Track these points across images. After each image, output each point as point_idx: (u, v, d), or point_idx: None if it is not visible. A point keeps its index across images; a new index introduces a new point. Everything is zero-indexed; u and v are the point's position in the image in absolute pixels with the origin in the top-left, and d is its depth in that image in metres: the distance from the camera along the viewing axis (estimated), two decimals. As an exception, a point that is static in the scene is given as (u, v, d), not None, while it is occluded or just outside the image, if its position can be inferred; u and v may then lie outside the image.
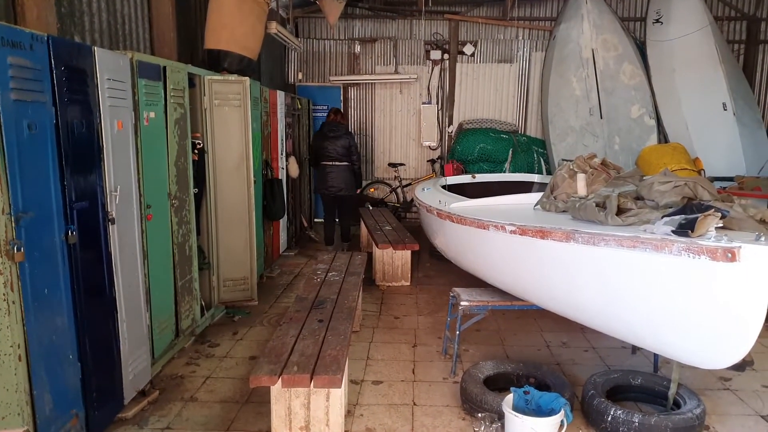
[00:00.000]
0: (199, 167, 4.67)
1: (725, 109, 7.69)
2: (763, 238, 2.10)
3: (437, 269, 6.83)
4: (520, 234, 3.18)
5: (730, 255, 2.09)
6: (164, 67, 3.92)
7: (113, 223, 3.16)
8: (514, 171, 8.33)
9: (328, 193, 7.25)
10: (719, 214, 2.26)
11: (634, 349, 4.38)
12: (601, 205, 2.90)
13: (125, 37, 4.82)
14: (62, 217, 2.70)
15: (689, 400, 3.27)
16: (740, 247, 2.07)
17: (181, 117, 4.22)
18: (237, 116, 4.96)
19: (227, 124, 4.92)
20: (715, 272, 2.17)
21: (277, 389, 3.02)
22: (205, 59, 5.53)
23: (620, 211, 2.79)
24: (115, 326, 3.20)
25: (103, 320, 3.10)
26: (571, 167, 3.60)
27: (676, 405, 3.29)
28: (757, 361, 4.11)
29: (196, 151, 4.58)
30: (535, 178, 7.28)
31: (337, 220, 7.63)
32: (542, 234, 2.97)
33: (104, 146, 3.08)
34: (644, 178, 3.30)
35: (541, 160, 8.87)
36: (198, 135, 4.70)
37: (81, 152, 2.87)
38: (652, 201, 2.82)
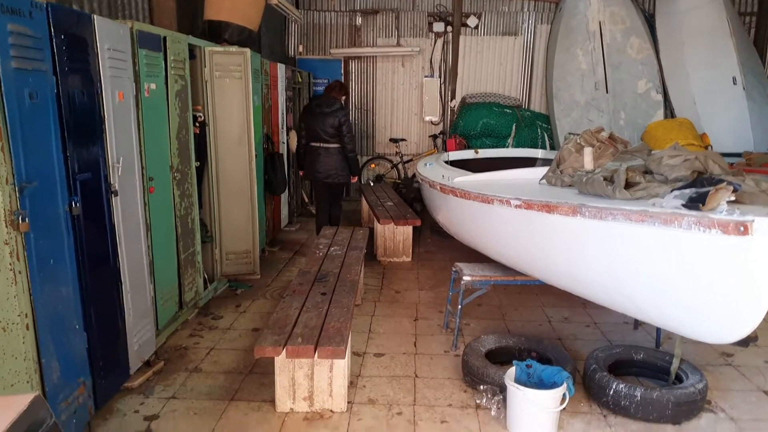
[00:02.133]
0: (201, 140, 4.63)
1: (735, 84, 7.58)
2: (777, 212, 2.08)
3: (438, 245, 6.83)
4: (525, 208, 3.16)
5: (742, 228, 2.06)
6: (164, 38, 3.86)
7: (116, 195, 3.14)
8: (517, 146, 8.28)
9: (317, 179, 6.21)
10: (731, 188, 2.23)
11: (636, 325, 4.41)
12: (609, 179, 2.87)
13: (124, 6, 4.73)
14: (65, 187, 2.68)
15: (691, 374, 3.29)
16: (753, 220, 2.05)
17: (182, 89, 4.17)
18: (238, 88, 4.89)
19: (228, 97, 4.87)
20: (727, 246, 2.15)
21: (281, 360, 3.05)
22: (206, 30, 5.44)
23: (628, 185, 2.76)
24: (119, 297, 3.21)
25: (108, 291, 3.11)
26: (578, 141, 3.56)
27: (678, 380, 3.30)
28: (760, 337, 4.13)
29: (197, 124, 4.54)
30: (538, 153, 7.23)
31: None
32: (548, 208, 2.95)
33: (106, 117, 3.04)
34: (652, 152, 3.27)
35: (545, 135, 8.80)
36: (199, 108, 4.65)
37: (83, 122, 2.84)
38: (661, 175, 2.80)
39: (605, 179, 2.89)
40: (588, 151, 3.44)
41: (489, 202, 3.54)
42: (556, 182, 3.56)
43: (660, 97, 8.10)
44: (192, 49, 4.46)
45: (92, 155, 2.93)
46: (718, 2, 7.86)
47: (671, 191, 2.52)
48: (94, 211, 2.94)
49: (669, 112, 8.12)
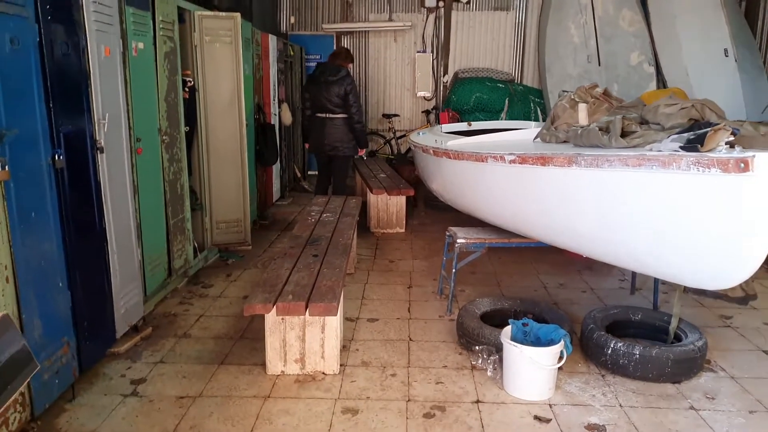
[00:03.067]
0: (190, 106, 4.53)
1: (726, 56, 7.53)
2: (778, 149, 2.02)
3: (432, 218, 6.78)
4: (520, 163, 3.09)
5: (743, 165, 2.00)
6: (152, -3, 3.75)
7: (102, 151, 3.05)
8: (510, 120, 8.19)
9: (322, 152, 5.91)
10: (730, 129, 2.18)
11: (633, 290, 4.38)
12: (605, 130, 2.81)
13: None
14: (48, 139, 2.59)
15: (691, 333, 3.26)
16: (754, 156, 1.99)
17: (171, 51, 4.06)
18: (228, 54, 4.78)
19: (218, 62, 4.75)
20: (727, 185, 2.09)
21: (272, 320, 2.99)
22: (194, -5, 5.31)
23: (624, 134, 2.71)
24: (105, 257, 3.13)
25: (93, 250, 3.03)
26: (572, 97, 3.49)
27: (677, 339, 3.27)
28: (758, 300, 4.11)
29: (186, 89, 4.43)
30: (531, 125, 7.13)
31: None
32: (543, 161, 2.89)
33: (91, 71, 2.94)
34: (645, 106, 3.20)
35: (538, 109, 8.73)
36: (188, 73, 4.54)
37: (67, 74, 2.74)
38: (657, 124, 2.74)
39: (601, 129, 2.83)
40: (582, 107, 3.38)
41: (483, 161, 3.47)
42: (551, 139, 3.49)
43: (652, 70, 8.05)
44: (181, 13, 4.35)
45: (77, 109, 2.84)
46: (709, -26, 7.80)
47: (668, 136, 2.46)
48: (78, 166, 2.85)
49: (661, 84, 8.07)
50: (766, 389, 3.03)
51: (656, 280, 4.07)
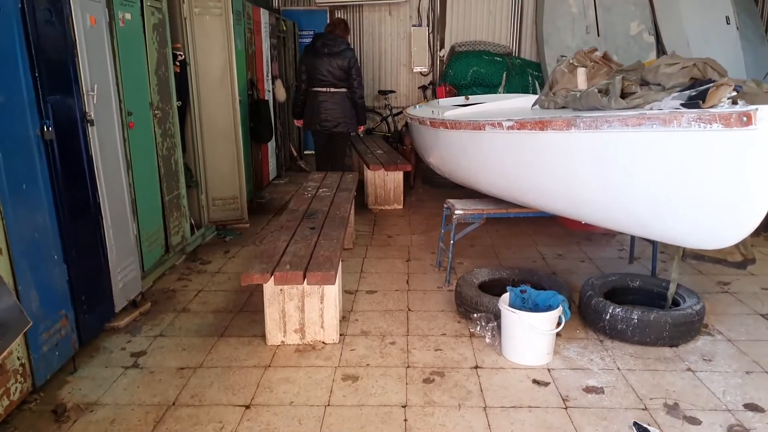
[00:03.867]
0: (182, 80, 4.46)
1: (728, 23, 7.41)
2: (780, 103, 1.97)
3: (430, 194, 6.74)
4: (518, 129, 3.05)
5: (745, 119, 1.96)
6: (138, -35, 3.66)
7: (92, 124, 3.01)
8: (508, 94, 8.10)
9: (321, 130, 5.59)
10: (732, 85, 2.13)
11: (632, 259, 4.37)
12: (604, 91, 2.76)
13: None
14: (35, 110, 2.54)
15: (688, 298, 3.25)
16: (756, 109, 1.94)
17: (160, 23, 3.99)
18: (219, 26, 4.71)
19: (209, 35, 4.69)
20: (730, 140, 2.04)
21: (270, 290, 2.98)
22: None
23: (624, 95, 2.66)
24: (100, 232, 3.10)
25: (88, 224, 3.00)
26: (571, 62, 3.44)
27: (675, 305, 3.27)
28: (755, 265, 4.10)
29: (177, 63, 4.36)
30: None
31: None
32: (542, 125, 2.84)
33: (77, 40, 2.88)
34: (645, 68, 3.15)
35: (536, 83, 8.63)
36: (179, 46, 4.46)
37: (51, 43, 2.68)
38: (658, 85, 2.69)
39: (600, 92, 2.78)
40: (581, 71, 3.32)
41: (481, 128, 3.43)
42: (549, 105, 3.44)
43: (653, 39, 7.94)
44: (169, -17, 4.26)
45: (64, 79, 2.78)
46: (711, -61, 7.64)
47: (669, 96, 2.42)
48: (68, 138, 2.80)
49: (662, 53, 7.96)
50: (762, 350, 3.05)
51: (654, 248, 4.05)
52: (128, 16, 3.51)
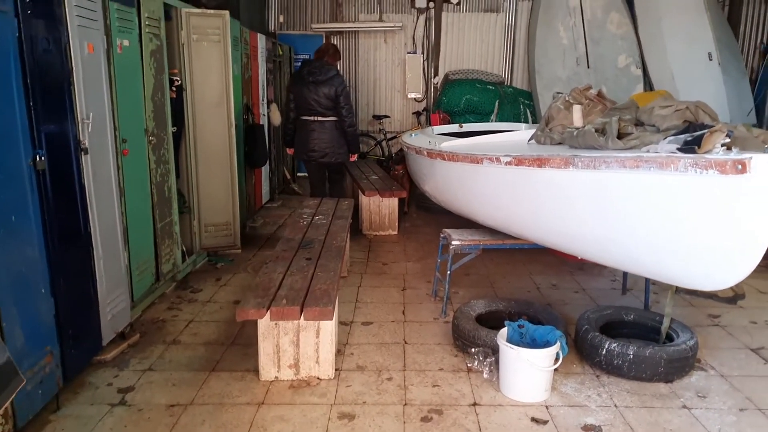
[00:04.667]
0: (178, 105, 4.45)
1: (711, 59, 7.60)
2: (773, 151, 2.01)
3: (424, 220, 6.73)
4: (516, 165, 3.05)
5: (740, 167, 1.99)
6: (137, -7, 3.67)
7: (86, 153, 2.96)
8: (500, 122, 8.17)
9: (310, 159, 5.50)
10: (725, 131, 2.16)
11: (625, 290, 4.37)
12: (601, 131, 2.78)
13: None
14: (29, 139, 2.50)
15: (682, 333, 3.26)
16: (751, 158, 1.97)
17: (158, 49, 3.98)
18: (216, 52, 4.71)
19: (206, 61, 4.68)
20: (725, 186, 2.07)
21: (264, 324, 2.92)
22: (181, -6, 5.23)
23: (621, 136, 2.68)
24: (90, 263, 3.03)
25: (78, 255, 2.94)
26: (567, 99, 3.47)
27: (669, 339, 3.27)
28: (744, 298, 4.13)
29: (174, 88, 4.35)
30: (522, 127, 7.13)
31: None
32: (540, 162, 2.85)
33: (74, 68, 2.85)
34: (640, 108, 3.19)
35: (528, 111, 8.72)
36: (176, 71, 4.46)
37: (48, 71, 2.65)
38: (652, 126, 2.72)
39: (597, 131, 2.80)
40: (577, 109, 3.35)
41: (478, 162, 3.43)
42: (545, 141, 3.46)
43: (639, 72, 8.09)
44: (168, 10, 4.27)
45: (59, 108, 2.75)
46: (693, -22, 7.87)
47: (665, 138, 2.44)
48: (61, 168, 2.76)
49: (648, 86, 8.11)
50: (754, 386, 3.05)
51: (647, 281, 4.06)
52: (126, 42, 3.49)
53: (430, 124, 8.43)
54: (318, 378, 3.05)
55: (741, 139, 2.37)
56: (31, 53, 2.49)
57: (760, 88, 7.97)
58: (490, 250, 4.06)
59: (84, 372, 3.07)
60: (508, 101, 8.69)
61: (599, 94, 3.52)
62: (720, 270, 2.24)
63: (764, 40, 9.02)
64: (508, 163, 3.13)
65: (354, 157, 5.78)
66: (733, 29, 8.55)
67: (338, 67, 5.61)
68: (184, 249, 4.61)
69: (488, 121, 8.31)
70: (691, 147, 2.22)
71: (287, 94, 5.70)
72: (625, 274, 4.40)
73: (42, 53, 2.59)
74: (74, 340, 2.86)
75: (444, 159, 4.05)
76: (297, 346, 2.99)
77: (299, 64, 8.68)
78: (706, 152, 2.19)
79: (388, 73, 9.49)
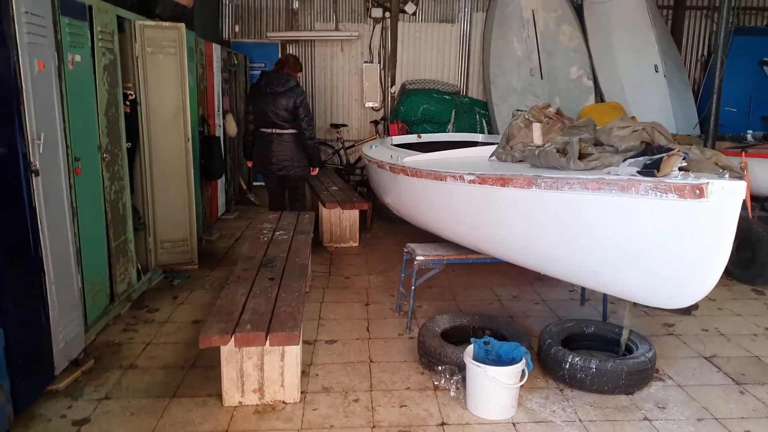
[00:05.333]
0: (132, 120, 4.31)
1: (657, 71, 7.93)
2: (727, 176, 2.11)
3: (385, 230, 6.73)
4: (479, 183, 3.09)
5: (698, 191, 2.08)
6: (90, 6, 3.54)
7: (37, 174, 2.82)
8: (457, 132, 8.27)
9: (268, 172, 5.41)
10: (682, 155, 2.25)
11: (583, 300, 4.49)
12: (562, 151, 2.85)
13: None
14: (-25, 163, 2.37)
15: (641, 345, 3.36)
16: (708, 183, 2.07)
17: (111, 63, 3.84)
18: (172, 65, 4.58)
19: (161, 74, 4.55)
20: (684, 210, 2.16)
21: (228, 350, 2.85)
22: (135, 4, 5.06)
23: (582, 156, 2.76)
24: (42, 288, 2.89)
25: (28, 281, 2.80)
26: (527, 117, 3.54)
27: (628, 350, 3.37)
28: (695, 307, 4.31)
29: (128, 102, 4.21)
30: (479, 137, 7.26)
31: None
32: (503, 182, 2.90)
33: (23, 86, 2.72)
34: (598, 127, 3.29)
35: (483, 121, 8.87)
36: (129, 85, 4.32)
37: (-5, 91, 2.52)
38: (611, 146, 2.81)
39: (558, 151, 2.87)
40: (537, 127, 3.43)
41: (442, 179, 3.46)
42: (507, 158, 3.53)
43: (591, 83, 8.35)
44: (121, 22, 4.13)
45: (7, 129, 2.62)
46: (639, -6, 8.21)
47: (624, 160, 2.52)
48: (10, 191, 2.63)
49: (599, 97, 8.38)
50: (709, 395, 3.17)
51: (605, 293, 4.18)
52: (78, 58, 3.36)
53: (389, 134, 8.46)
54: (283, 402, 3.00)
55: (696, 161, 2.47)
56: (-23, 73, 2.36)
57: (703, 100, 8.35)
58: (452, 263, 4.09)
59: (35, 403, 2.92)
60: (465, 111, 8.82)
61: (558, 112, 3.61)
62: (679, 290, 2.33)
63: (704, 53, 9.48)
64: (472, 182, 3.17)
65: (315, 171, 5.67)
66: (676, 42, 8.95)
67: (299, 79, 5.50)
68: (140, 267, 4.46)
69: (445, 131, 8.41)
70: (650, 170, 2.30)
71: (246, 105, 5.55)
72: (583, 287, 4.52)
73: (-11, 72, 2.46)
74: (25, 371, 2.72)
75: (407, 174, 4.07)
76: (261, 370, 2.93)
77: (256, 73, 8.62)
78: (664, 176, 2.27)
79: (345, 82, 9.48)
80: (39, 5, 2.90)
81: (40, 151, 2.85)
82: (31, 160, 2.79)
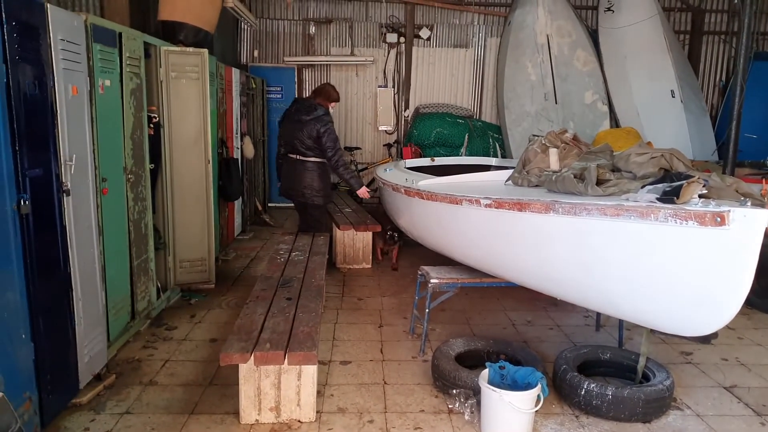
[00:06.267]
0: (155, 142, 4.43)
1: (673, 97, 7.96)
2: (749, 203, 2.13)
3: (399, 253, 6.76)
4: (496, 207, 3.14)
5: (719, 219, 2.10)
6: (120, 33, 3.68)
7: (68, 194, 2.93)
8: (470, 156, 8.37)
9: (289, 196, 5.48)
10: (703, 182, 2.29)
11: (598, 326, 4.48)
12: (579, 177, 2.90)
13: (74, 1, 4.49)
14: (14, 184, 2.47)
15: (658, 372, 3.34)
16: (729, 210, 2.10)
17: (137, 87, 3.98)
18: (194, 90, 4.72)
19: (184, 98, 4.68)
20: (704, 238, 2.18)
21: (246, 368, 2.90)
22: (159, 31, 5.23)
23: (599, 182, 2.80)
24: (70, 305, 2.98)
25: (58, 298, 2.88)
26: (543, 142, 3.60)
27: (645, 378, 3.35)
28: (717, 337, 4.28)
29: (151, 125, 4.33)
30: (492, 161, 7.34)
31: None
32: (520, 206, 2.95)
33: (58, 111, 2.84)
34: (615, 153, 3.33)
35: (497, 145, 8.96)
36: (154, 108, 4.44)
37: (34, 115, 2.63)
38: (629, 172, 2.85)
39: (575, 177, 2.91)
40: (554, 152, 3.48)
41: (458, 203, 3.51)
42: (523, 183, 3.58)
43: (606, 108, 8.40)
44: (147, 48, 4.27)
45: (43, 151, 2.73)
46: (656, 20, 8.27)
47: (643, 186, 2.56)
48: (44, 210, 2.72)
49: (614, 122, 8.43)
50: (729, 426, 3.14)
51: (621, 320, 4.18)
52: (108, 83, 3.48)
53: (402, 157, 8.56)
54: (299, 421, 3.03)
55: (716, 189, 2.50)
56: (18, 98, 2.48)
57: (722, 125, 8.35)
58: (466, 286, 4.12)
59: (60, 416, 2.98)
60: (478, 135, 8.92)
61: (574, 138, 3.67)
62: (700, 318, 2.34)
63: (722, 78, 9.51)
64: (488, 206, 3.22)
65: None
66: (693, 68, 9.00)
67: (332, 108, 5.43)
68: (159, 285, 4.53)
69: (458, 155, 8.50)
70: (670, 197, 2.33)
71: (280, 129, 5.58)
72: (598, 312, 4.51)
73: (29, 98, 2.58)
74: (52, 384, 2.79)
75: (422, 198, 4.13)
76: (278, 389, 2.97)
77: (272, 96, 8.81)
78: (684, 203, 2.30)
79: (359, 106, 9.63)
80: (74, 33, 3.03)
81: (72, 172, 2.95)
82: (63, 180, 2.90)
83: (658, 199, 2.35)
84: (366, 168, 9.34)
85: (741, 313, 4.83)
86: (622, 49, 8.36)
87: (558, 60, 8.45)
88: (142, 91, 4.05)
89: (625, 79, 8.26)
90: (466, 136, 8.73)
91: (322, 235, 5.24)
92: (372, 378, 3.60)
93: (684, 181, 2.28)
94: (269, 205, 8.93)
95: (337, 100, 5.54)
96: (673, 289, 2.39)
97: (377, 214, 6.98)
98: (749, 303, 4.93)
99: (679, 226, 2.23)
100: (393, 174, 5.60)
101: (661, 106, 7.95)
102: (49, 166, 2.77)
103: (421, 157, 8.33)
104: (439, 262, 4.39)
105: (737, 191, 2.52)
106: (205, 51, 4.77)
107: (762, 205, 2.20)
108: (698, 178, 2.30)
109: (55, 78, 2.80)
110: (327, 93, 5.35)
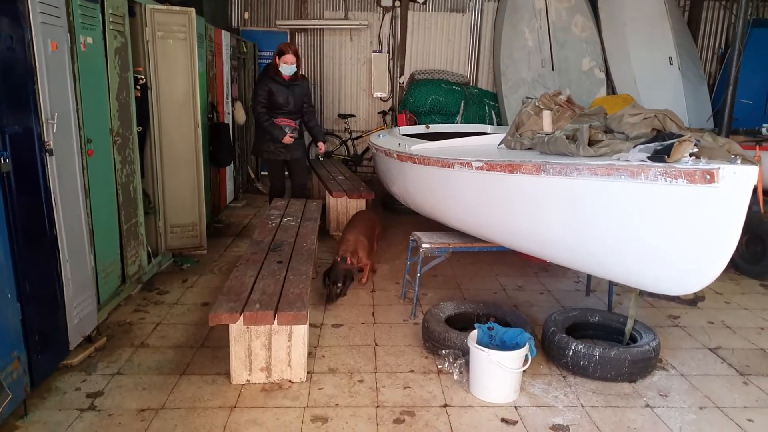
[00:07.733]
0: (143, 104, 4.35)
1: (671, 64, 7.86)
2: (739, 161, 2.11)
3: (392, 221, 6.74)
4: (488, 170, 3.11)
5: (708, 177, 2.08)
6: (101, -12, 3.56)
7: (51, 154, 2.88)
8: (465, 123, 8.27)
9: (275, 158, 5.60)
10: (694, 141, 2.26)
11: (588, 291, 4.50)
12: (571, 138, 2.86)
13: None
14: (-7, 141, 2.41)
15: (645, 334, 3.37)
16: (719, 168, 2.07)
17: (122, 46, 3.88)
18: (182, 50, 4.61)
19: (171, 59, 4.58)
20: (693, 195, 2.16)
21: (237, 329, 2.90)
22: (145, -11, 5.08)
23: (591, 143, 2.77)
24: (57, 266, 2.95)
25: (44, 258, 2.85)
26: (537, 104, 3.55)
27: (632, 340, 3.39)
28: (701, 299, 4.32)
29: (138, 87, 4.25)
30: (488, 129, 7.24)
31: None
32: (511, 168, 2.91)
33: (37, 67, 2.76)
34: (608, 115, 3.29)
35: (492, 112, 8.86)
36: (140, 69, 4.35)
37: (11, 70, 2.57)
38: (621, 133, 2.81)
39: (567, 138, 2.88)
40: (547, 114, 3.44)
41: (449, 167, 3.48)
42: (516, 145, 3.54)
43: (603, 75, 8.30)
44: (131, 6, 4.16)
45: (23, 108, 2.66)
46: (656, -15, 8.11)
47: (635, 146, 2.53)
48: (26, 170, 2.67)
49: (611, 89, 8.33)
50: (712, 385, 3.19)
51: (611, 283, 4.19)
52: (90, 40, 3.39)
53: (397, 124, 8.47)
54: (290, 381, 3.05)
55: (708, 148, 2.47)
56: (-6, 52, 2.40)
57: (719, 93, 8.28)
58: (458, 251, 4.12)
59: (51, 377, 3.00)
60: (474, 102, 8.81)
61: (568, 100, 3.61)
62: (687, 276, 2.33)
63: (721, 45, 9.37)
64: (480, 168, 3.18)
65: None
66: (693, 35, 8.86)
67: (287, 66, 5.40)
68: (150, 250, 4.51)
69: (454, 122, 8.41)
70: (660, 156, 2.30)
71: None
72: (588, 276, 4.53)
73: (5, 51, 2.51)
74: (41, 345, 2.78)
75: (414, 162, 4.09)
76: (269, 349, 2.98)
77: (264, 61, 8.64)
78: (675, 161, 2.28)
79: (353, 72, 9.48)
80: (53, -14, 2.93)
81: (54, 130, 2.89)
82: (45, 139, 2.84)
83: (649, 157, 2.33)
84: (360, 136, 9.25)
85: (729, 278, 4.91)
86: (621, 15, 8.20)
87: (556, 25, 8.31)
88: (127, 51, 3.95)
89: (623, 45, 8.13)
90: (462, 104, 8.63)
91: (314, 202, 5.22)
92: (363, 340, 3.62)
93: (675, 140, 2.25)
94: (262, 173, 8.86)
95: (286, 53, 5.40)
96: (663, 246, 2.38)
97: (372, 183, 6.95)
98: (737, 268, 4.97)
99: (668, 185, 2.21)
100: (386, 140, 5.54)
101: (658, 74, 7.85)
102: (30, 124, 2.71)
103: (416, 124, 8.24)
104: (429, 228, 4.37)
105: (729, 151, 2.48)
106: (192, 10, 4.65)
107: (752, 163, 2.17)
108: (689, 137, 2.26)
109: (33, 32, 2.71)
110: (277, 50, 5.41)
